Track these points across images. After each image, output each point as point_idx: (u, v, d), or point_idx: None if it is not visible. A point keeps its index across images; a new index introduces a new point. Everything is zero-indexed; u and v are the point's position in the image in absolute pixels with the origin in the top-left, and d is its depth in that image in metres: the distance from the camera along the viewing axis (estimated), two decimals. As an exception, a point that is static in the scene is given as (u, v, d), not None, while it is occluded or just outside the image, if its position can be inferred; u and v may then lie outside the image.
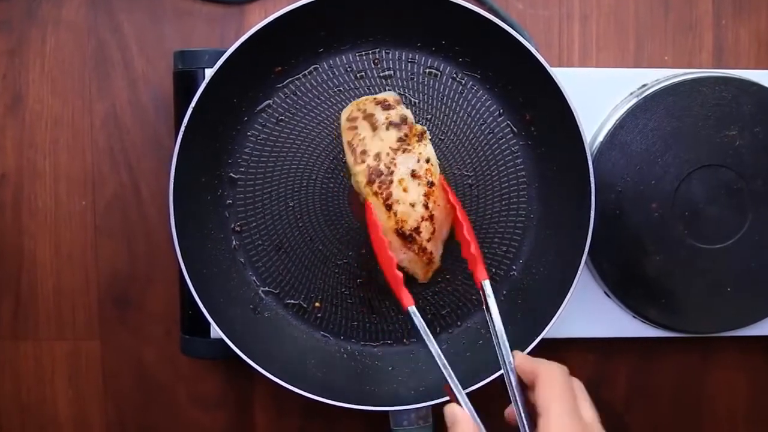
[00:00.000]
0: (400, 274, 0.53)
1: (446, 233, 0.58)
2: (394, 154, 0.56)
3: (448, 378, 0.50)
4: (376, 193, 0.56)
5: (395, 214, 0.56)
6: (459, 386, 0.50)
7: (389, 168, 0.56)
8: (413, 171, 0.56)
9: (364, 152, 0.56)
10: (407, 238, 0.56)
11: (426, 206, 0.56)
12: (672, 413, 0.68)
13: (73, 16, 0.64)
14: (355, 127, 0.57)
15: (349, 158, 0.57)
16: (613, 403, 0.67)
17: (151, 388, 0.66)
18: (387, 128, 0.56)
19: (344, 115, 0.58)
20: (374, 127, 0.57)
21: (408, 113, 0.57)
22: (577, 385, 0.49)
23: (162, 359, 0.65)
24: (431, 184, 0.56)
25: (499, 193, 0.61)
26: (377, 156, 0.56)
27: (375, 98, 0.57)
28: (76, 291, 0.65)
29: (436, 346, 0.51)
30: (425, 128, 0.58)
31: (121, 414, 0.66)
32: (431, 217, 0.56)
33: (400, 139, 0.56)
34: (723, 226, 0.62)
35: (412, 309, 0.52)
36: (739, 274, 0.62)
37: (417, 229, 0.56)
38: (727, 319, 0.63)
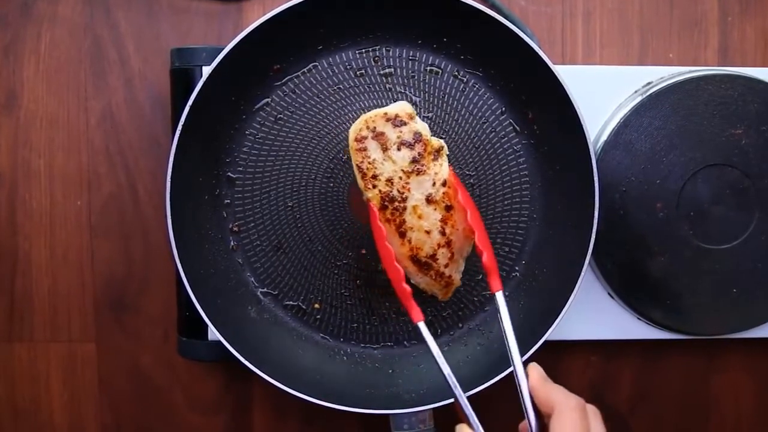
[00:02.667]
0: (409, 288, 0.51)
1: (468, 251, 0.56)
2: (407, 178, 0.53)
3: (458, 397, 0.49)
4: (388, 220, 0.53)
5: (409, 241, 0.54)
6: (469, 406, 0.48)
7: (402, 194, 0.53)
8: (428, 195, 0.53)
9: (375, 176, 0.53)
10: (423, 265, 0.54)
11: (443, 232, 0.54)
12: (677, 416, 0.67)
13: (69, 13, 0.63)
14: (365, 148, 0.54)
15: (360, 182, 0.54)
16: (617, 405, 0.67)
17: (147, 392, 0.65)
18: (399, 148, 0.53)
19: (352, 133, 0.54)
20: (385, 148, 0.53)
21: (423, 127, 0.54)
22: (593, 415, 0.47)
23: (159, 362, 0.65)
24: (449, 208, 0.54)
25: (502, 193, 0.60)
26: (389, 181, 0.53)
27: (386, 113, 0.54)
28: (71, 292, 0.64)
29: (447, 367, 0.49)
30: (442, 143, 0.55)
31: (117, 417, 0.65)
32: (448, 243, 0.54)
33: (413, 160, 0.53)
34: (729, 226, 0.61)
35: (422, 325, 0.50)
36: (746, 274, 0.61)
37: (433, 256, 0.54)
38: (733, 321, 0.62)
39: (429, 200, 0.54)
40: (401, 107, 0.54)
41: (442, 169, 0.54)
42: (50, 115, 0.64)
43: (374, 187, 0.54)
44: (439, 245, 0.54)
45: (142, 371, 0.65)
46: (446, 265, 0.55)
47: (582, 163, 0.55)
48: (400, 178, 0.53)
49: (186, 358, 0.62)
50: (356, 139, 0.54)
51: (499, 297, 0.51)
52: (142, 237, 0.64)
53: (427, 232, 0.54)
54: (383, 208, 0.53)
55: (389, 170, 0.53)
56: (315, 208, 0.60)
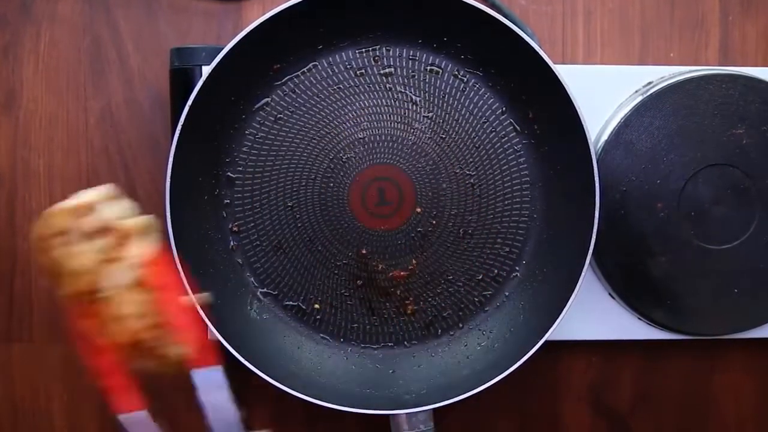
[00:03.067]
0: (121, 381, 0.48)
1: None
2: (102, 267, 0.47)
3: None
4: (89, 314, 0.47)
5: (116, 331, 0.48)
6: None
7: (99, 284, 0.47)
8: (129, 281, 0.47)
9: (66, 273, 0.47)
10: (136, 350, 0.49)
11: (150, 314, 0.48)
12: (678, 417, 0.67)
13: (69, 13, 0.63)
14: (51, 247, 0.47)
15: (52, 281, 0.48)
16: (617, 406, 0.66)
17: (147, 393, 0.65)
18: (86, 240, 0.47)
19: (35, 233, 0.48)
20: (71, 242, 0.47)
21: (116, 211, 0.48)
22: None
23: (158, 362, 0.65)
24: (153, 289, 0.48)
25: (502, 193, 0.60)
26: (82, 275, 0.47)
27: (65, 208, 0.48)
28: (70, 292, 0.64)
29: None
30: (139, 222, 0.49)
31: (116, 418, 0.65)
32: (159, 324, 0.48)
33: (105, 249, 0.47)
34: (730, 226, 0.61)
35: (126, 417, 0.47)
36: (747, 274, 0.61)
37: (145, 340, 0.48)
38: (734, 321, 0.62)
39: (131, 285, 0.48)
40: (86, 196, 0.49)
41: (140, 250, 0.48)
42: (49, 115, 0.63)
43: (67, 284, 0.48)
44: (148, 327, 0.48)
45: (142, 371, 0.65)
46: (160, 346, 0.49)
47: (582, 162, 0.55)
48: (95, 269, 0.47)
49: (186, 358, 0.62)
50: (39, 239, 0.48)
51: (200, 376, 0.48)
52: (142, 237, 0.64)
53: (133, 318, 0.48)
54: (82, 303, 0.48)
55: (80, 264, 0.47)
56: (315, 208, 0.60)
